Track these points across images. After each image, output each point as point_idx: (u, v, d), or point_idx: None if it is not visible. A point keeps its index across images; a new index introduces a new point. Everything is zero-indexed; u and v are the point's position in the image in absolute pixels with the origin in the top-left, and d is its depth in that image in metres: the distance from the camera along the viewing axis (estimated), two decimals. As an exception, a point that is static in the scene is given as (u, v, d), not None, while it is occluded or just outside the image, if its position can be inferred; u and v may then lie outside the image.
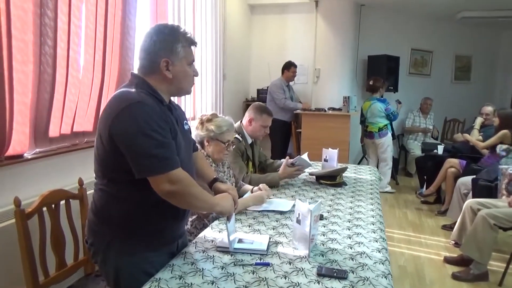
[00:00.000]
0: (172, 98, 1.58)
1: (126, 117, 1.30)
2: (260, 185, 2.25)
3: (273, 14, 6.04)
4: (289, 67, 5.35)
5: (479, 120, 4.72)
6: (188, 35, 1.46)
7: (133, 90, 1.38)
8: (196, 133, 2.14)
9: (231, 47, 5.22)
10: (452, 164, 4.45)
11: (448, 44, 6.86)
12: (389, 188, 5.33)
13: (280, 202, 2.14)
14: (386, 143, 5.26)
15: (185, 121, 1.61)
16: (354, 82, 5.98)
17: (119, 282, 1.45)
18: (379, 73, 5.66)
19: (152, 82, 1.43)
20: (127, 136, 1.30)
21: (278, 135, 5.25)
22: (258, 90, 5.89)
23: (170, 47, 1.41)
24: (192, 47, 1.49)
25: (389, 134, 5.27)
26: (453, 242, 3.55)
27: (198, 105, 4.36)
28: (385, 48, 5.97)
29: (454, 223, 3.67)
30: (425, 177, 4.94)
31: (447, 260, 3.26)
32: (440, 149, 4.98)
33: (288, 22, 6.02)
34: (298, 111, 5.35)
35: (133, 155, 1.31)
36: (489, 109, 4.76)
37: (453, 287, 2.87)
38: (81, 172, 2.27)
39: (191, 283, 1.28)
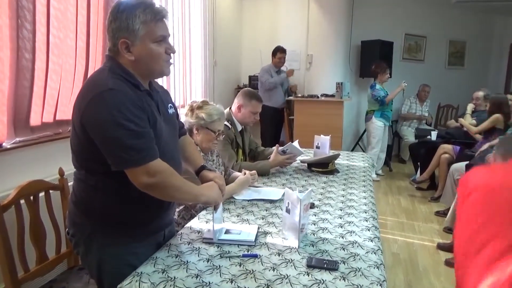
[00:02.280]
0: (157, 80, 1.50)
1: (97, 106, 1.20)
2: (244, 171, 2.17)
3: (264, -1, 5.91)
4: (275, 53, 5.17)
5: (469, 106, 4.74)
6: (153, 7, 1.29)
7: (106, 75, 1.27)
8: (185, 119, 2.05)
9: (221, 32, 5.09)
10: (446, 150, 4.42)
11: (442, 29, 6.76)
12: (373, 176, 5.15)
13: (270, 191, 2.08)
14: (370, 128, 5.25)
15: (170, 105, 1.51)
16: (347, 68, 5.89)
17: (102, 274, 1.39)
18: (373, 59, 5.57)
19: (124, 65, 1.31)
20: (99, 126, 1.21)
21: (269, 123, 5.16)
22: (250, 77, 5.78)
23: (125, 25, 1.25)
24: (165, 21, 1.33)
25: (373, 119, 5.18)
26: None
27: (188, 93, 4.26)
28: (378, 33, 5.86)
29: (448, 209, 3.66)
30: (418, 163, 4.92)
31: (440, 247, 3.24)
32: (433, 135, 4.95)
33: (280, 7, 5.88)
34: (291, 97, 5.28)
35: (107, 147, 1.22)
36: (479, 94, 4.75)
37: (446, 273, 2.85)
38: (64, 162, 2.17)
39: (175, 277, 1.21)
